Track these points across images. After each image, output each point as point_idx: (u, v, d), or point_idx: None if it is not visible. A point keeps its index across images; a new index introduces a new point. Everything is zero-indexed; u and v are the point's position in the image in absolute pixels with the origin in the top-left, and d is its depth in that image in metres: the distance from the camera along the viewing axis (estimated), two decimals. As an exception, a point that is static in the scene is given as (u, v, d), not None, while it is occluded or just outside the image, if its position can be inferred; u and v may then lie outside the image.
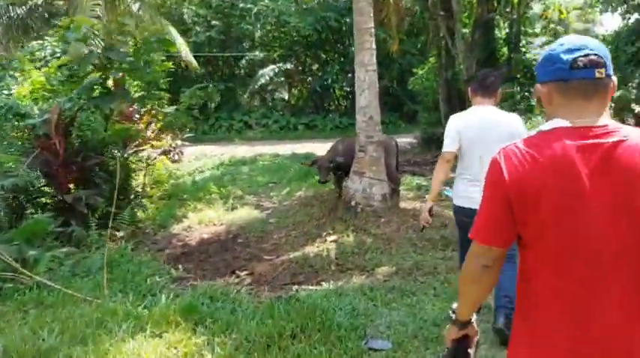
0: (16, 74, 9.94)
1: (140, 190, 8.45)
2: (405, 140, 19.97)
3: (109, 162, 7.38)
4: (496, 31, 17.87)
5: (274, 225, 7.80)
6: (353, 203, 7.24)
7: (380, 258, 5.90)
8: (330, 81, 26.08)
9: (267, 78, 27.90)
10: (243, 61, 29.05)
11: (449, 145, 3.87)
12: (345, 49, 26.39)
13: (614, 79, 1.56)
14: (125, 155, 8.00)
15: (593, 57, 1.50)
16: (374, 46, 7.23)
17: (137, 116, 9.08)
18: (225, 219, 8.30)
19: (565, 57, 1.52)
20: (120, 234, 7.20)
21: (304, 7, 25.19)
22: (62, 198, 6.50)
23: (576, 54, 1.51)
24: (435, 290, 4.93)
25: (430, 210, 4.09)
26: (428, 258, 5.84)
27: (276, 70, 27.65)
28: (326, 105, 27.75)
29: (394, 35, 15.78)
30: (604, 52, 1.53)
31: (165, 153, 17.17)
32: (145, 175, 8.86)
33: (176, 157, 16.98)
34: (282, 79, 28.97)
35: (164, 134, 9.24)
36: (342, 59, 26.88)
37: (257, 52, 30.00)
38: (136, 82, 8.28)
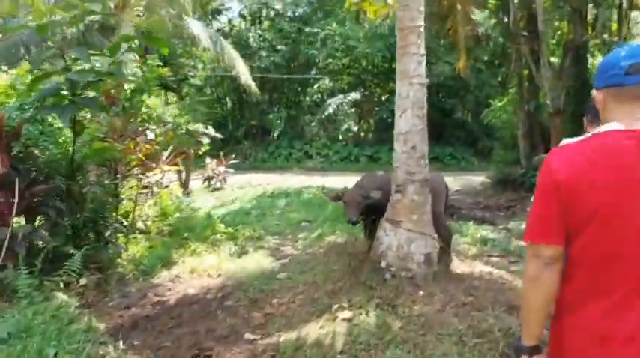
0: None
1: (124, 225, 6.82)
2: (477, 179, 17.68)
3: (74, 188, 5.80)
4: (589, 58, 15.37)
5: (281, 282, 5.92)
6: (383, 264, 5.25)
7: (406, 359, 3.87)
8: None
9: (335, 107, 26.47)
10: (311, 89, 27.75)
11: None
12: (416, 77, 24.38)
13: None
14: (108, 181, 6.44)
15: None
16: (422, 51, 5.32)
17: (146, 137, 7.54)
18: (225, 268, 6.52)
19: (622, 63, 1.58)
20: (84, 281, 5.62)
21: (372, 32, 23.51)
22: (-6, 233, 4.95)
23: (633, 60, 1.57)
24: None
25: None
26: (480, 367, 3.76)
27: (345, 100, 26.17)
28: (391, 136, 25.68)
29: (461, 51, 13.61)
30: None
31: (208, 179, 15.99)
32: (134, 207, 7.25)
33: (218, 185, 15.69)
34: (351, 108, 27.38)
35: (169, 157, 7.55)
36: (412, 88, 24.86)
37: (326, 81, 28.72)
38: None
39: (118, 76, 5.67)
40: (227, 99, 27.72)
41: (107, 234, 6.11)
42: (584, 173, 1.55)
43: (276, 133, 26.10)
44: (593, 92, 1.68)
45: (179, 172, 14.97)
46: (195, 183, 15.94)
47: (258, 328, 4.69)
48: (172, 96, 33.90)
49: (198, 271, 6.43)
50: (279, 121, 25.09)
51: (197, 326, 4.83)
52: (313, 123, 28.23)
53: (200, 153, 16.98)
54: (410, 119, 5.22)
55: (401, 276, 5.10)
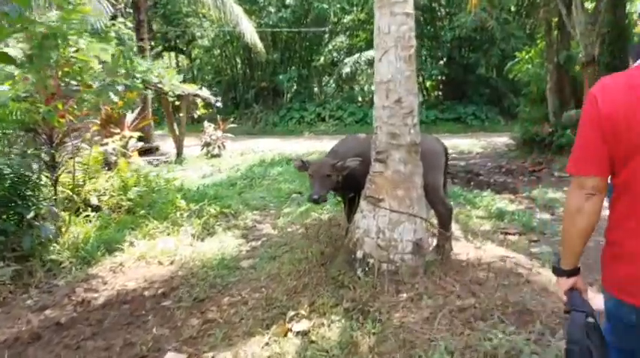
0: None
1: (68, 202, 5.73)
2: (501, 140, 16.17)
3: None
4: (627, 4, 13.56)
5: (242, 273, 4.80)
6: (359, 254, 4.04)
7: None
8: (415, 68, 22.41)
9: (352, 66, 24.93)
10: (324, 48, 26.16)
11: None
12: (436, 31, 22.61)
13: None
14: (32, 150, 5.32)
15: None
16: (409, -29, 3.94)
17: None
18: (181, 254, 5.40)
19: None
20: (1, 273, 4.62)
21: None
22: None
23: None
24: None
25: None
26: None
27: (362, 58, 24.59)
28: (411, 96, 24.06)
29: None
30: None
31: (206, 145, 14.88)
32: (86, 181, 6.13)
33: (216, 152, 14.57)
34: (368, 67, 25.78)
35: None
36: (432, 43, 23.14)
37: (341, 38, 27.08)
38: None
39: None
40: (237, 59, 26.34)
41: (30, 215, 5.00)
42: (629, 104, 1.57)
43: (288, 95, 24.77)
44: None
45: (174, 137, 13.91)
46: (195, 149, 14.88)
47: (188, 343, 3.57)
48: (184, 60, 32.79)
49: (147, 258, 5.33)
50: (289, 82, 23.67)
51: (115, 338, 3.74)
52: (328, 84, 26.79)
53: (196, 116, 15.97)
54: (393, 62, 3.91)
55: (381, 270, 3.90)
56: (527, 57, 15.22)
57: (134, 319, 4.07)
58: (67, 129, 5.38)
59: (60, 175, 5.73)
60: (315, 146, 15.83)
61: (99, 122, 7.41)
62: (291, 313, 3.64)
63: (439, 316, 3.47)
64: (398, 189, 3.96)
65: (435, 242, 4.60)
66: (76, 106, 5.29)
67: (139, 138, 16.02)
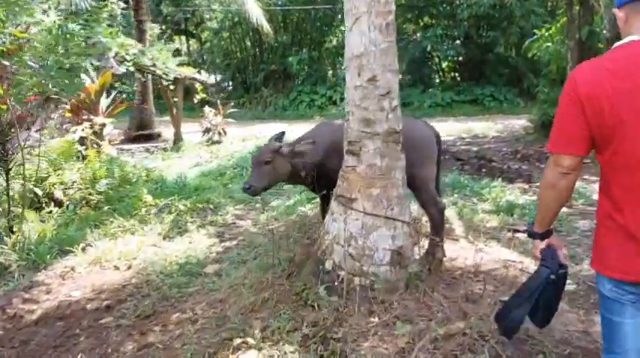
0: None
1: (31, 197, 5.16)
2: (520, 123, 15.25)
3: None
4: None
5: (203, 282, 4.18)
6: (328, 265, 3.36)
7: None
8: (429, 48, 21.45)
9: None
10: (335, 29, 25.25)
11: None
12: (452, 9, 21.56)
13: None
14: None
15: None
16: None
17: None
18: (143, 256, 4.80)
19: None
20: None
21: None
22: None
23: None
24: None
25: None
26: None
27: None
28: (425, 78, 23.12)
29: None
30: None
31: (207, 131, 14.27)
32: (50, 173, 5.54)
33: (216, 138, 13.93)
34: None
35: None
36: (448, 22, 22.09)
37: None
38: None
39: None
40: (246, 41, 25.57)
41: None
42: (607, 83, 1.64)
43: (298, 78, 23.99)
44: (615, 11, 1.77)
45: (173, 123, 13.33)
46: (197, 136, 14.26)
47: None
48: (194, 43, 32.16)
49: (103, 261, 4.73)
50: (300, 65, 22.87)
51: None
52: (340, 66, 25.91)
53: (196, 100, 15.37)
54: (366, 32, 3.19)
55: (353, 285, 3.22)
56: (546, 34, 14.22)
57: (64, 340, 3.46)
58: (10, 117, 4.75)
59: (11, 168, 5.12)
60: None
61: (68, 108, 6.82)
62: (238, 341, 2.98)
63: (417, 347, 2.79)
64: (373, 187, 3.26)
65: (425, 247, 3.90)
66: (15, 90, 4.63)
67: (140, 125, 15.60)
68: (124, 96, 13.08)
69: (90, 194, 6.09)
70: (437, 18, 22.70)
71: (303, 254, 3.87)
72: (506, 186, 7.32)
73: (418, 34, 23.25)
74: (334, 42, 25.88)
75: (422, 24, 23.41)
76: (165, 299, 3.91)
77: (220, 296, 3.81)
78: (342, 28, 25.47)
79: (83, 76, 7.54)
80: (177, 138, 12.75)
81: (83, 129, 6.40)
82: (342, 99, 22.33)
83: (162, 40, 27.49)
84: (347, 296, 3.17)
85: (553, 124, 1.80)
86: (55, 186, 5.99)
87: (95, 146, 6.48)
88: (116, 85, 14.14)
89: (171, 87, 12.01)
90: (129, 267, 4.64)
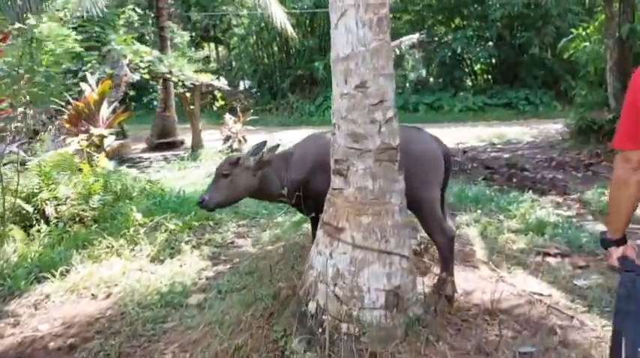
0: None
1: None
2: (555, 127, 14.40)
3: None
4: None
5: (180, 317, 3.70)
6: (312, 307, 2.83)
7: None
8: (459, 49, 20.69)
9: (397, 51, 23.42)
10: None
11: None
12: (483, 10, 20.74)
13: None
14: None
15: None
16: None
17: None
18: (125, 283, 4.35)
19: None
20: None
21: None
22: None
23: None
24: None
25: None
26: None
27: (405, 42, 23.07)
28: (456, 81, 22.32)
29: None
30: None
31: (227, 139, 13.91)
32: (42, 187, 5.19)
33: (236, 145, 13.54)
34: (409, 50, 24.26)
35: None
36: (480, 23, 21.29)
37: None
38: None
39: None
40: (273, 47, 25.23)
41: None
42: None
43: (324, 83, 23.50)
44: None
45: (192, 129, 13.00)
46: (218, 143, 13.90)
47: None
48: (223, 50, 32.09)
49: (81, 288, 4.29)
50: (326, 70, 22.37)
51: None
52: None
53: (215, 108, 15.01)
54: (353, 29, 2.66)
55: (339, 333, 2.67)
56: (583, 33, 13.37)
57: (14, 388, 3.02)
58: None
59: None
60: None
61: (66, 118, 6.49)
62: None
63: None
64: (364, 214, 2.72)
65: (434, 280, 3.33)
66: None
67: (163, 133, 15.35)
68: (133, 104, 12.79)
69: (83, 210, 5.70)
70: (468, 19, 21.92)
71: (290, 288, 3.35)
72: (538, 200, 6.65)
73: (450, 37, 22.48)
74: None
75: (453, 26, 22.65)
76: (135, 338, 3.44)
77: (196, 335, 3.32)
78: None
79: (83, 84, 7.23)
80: (195, 147, 12.42)
81: (79, 142, 6.06)
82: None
83: (192, 48, 27.56)
84: (330, 348, 2.62)
85: (620, 119, 1.82)
86: (47, 201, 5.62)
87: (94, 158, 6.10)
88: (131, 93, 13.88)
89: (187, 94, 11.67)
90: (107, 296, 4.20)
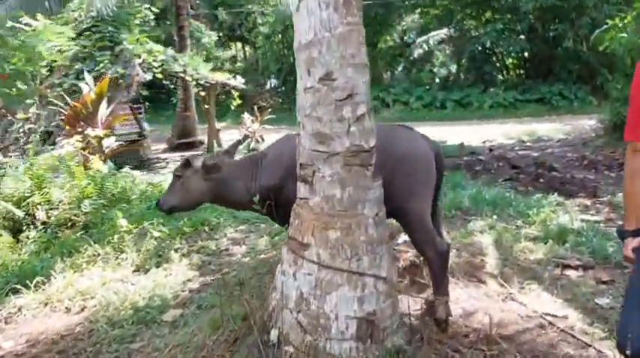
0: None
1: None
2: (590, 123, 13.63)
3: None
4: None
5: (150, 337, 3.39)
6: (273, 335, 2.44)
7: None
8: (489, 43, 19.97)
9: (425, 47, 22.91)
10: (391, 28, 24.20)
11: None
12: (514, 2, 19.96)
13: None
14: None
15: None
16: None
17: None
18: (103, 295, 4.06)
19: None
20: None
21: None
22: None
23: None
24: None
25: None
26: None
27: (433, 37, 22.51)
28: (486, 76, 21.57)
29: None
30: None
31: (245, 138, 13.64)
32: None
33: (253, 145, 13.26)
34: (438, 46, 23.66)
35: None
36: (510, 16, 20.52)
37: (414, 16, 25.04)
38: None
39: None
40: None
41: None
42: None
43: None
44: None
45: (208, 128, 12.78)
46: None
47: None
48: (249, 49, 31.97)
49: (55, 301, 4.02)
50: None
51: None
52: (396, 67, 24.82)
53: (233, 107, 14.76)
54: (316, 12, 2.27)
55: (304, 368, 2.29)
56: (620, 24, 12.57)
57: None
58: None
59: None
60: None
61: (64, 119, 6.28)
62: None
63: None
64: (331, 228, 2.33)
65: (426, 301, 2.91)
66: None
67: (183, 133, 15.20)
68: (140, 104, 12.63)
69: (75, 215, 5.46)
70: (498, 12, 21.14)
71: (263, 307, 2.97)
72: (564, 203, 6.10)
73: (480, 31, 21.73)
74: (389, 42, 24.83)
75: (483, 19, 21.89)
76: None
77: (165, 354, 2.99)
78: (398, 27, 24.45)
79: (81, 84, 7.02)
80: (211, 146, 12.18)
81: (73, 143, 5.82)
82: (394, 102, 21.27)
83: (220, 48, 27.52)
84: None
85: (628, 112, 1.90)
86: (38, 206, 5.40)
87: (91, 160, 5.85)
88: (143, 93, 13.75)
89: (202, 93, 11.43)
90: (82, 310, 3.91)
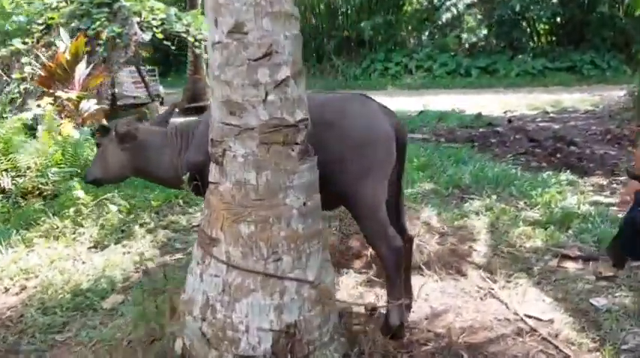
0: None
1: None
2: (622, 94, 12.73)
3: None
4: None
5: (79, 328, 3.03)
6: (178, 347, 2.03)
7: None
8: (519, 7, 18.88)
9: (451, 11, 21.82)
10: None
11: None
12: (547, -38, 18.75)
13: None
14: None
15: None
16: None
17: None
18: (47, 274, 3.72)
19: None
20: None
21: None
22: None
23: None
24: None
25: None
26: None
27: (465, 1, 21.40)
28: (515, 42, 20.49)
29: None
30: None
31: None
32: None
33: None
34: (465, 10, 22.52)
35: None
36: (540, -23, 19.32)
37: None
38: None
39: None
40: (320, 5, 24.02)
41: None
42: None
43: (372, 44, 22.22)
44: None
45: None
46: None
47: None
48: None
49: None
50: (373, 31, 21.07)
51: None
52: (420, 32, 23.76)
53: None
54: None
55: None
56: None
57: None
58: None
59: None
60: (391, 102, 13.52)
61: (37, 80, 5.89)
62: None
63: None
64: (243, 221, 1.88)
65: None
66: None
67: (193, 97, 14.80)
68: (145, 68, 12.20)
69: (43, 184, 5.12)
70: (530, -27, 19.95)
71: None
72: (576, 182, 5.54)
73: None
74: (416, 4, 23.75)
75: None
76: (12, 353, 2.79)
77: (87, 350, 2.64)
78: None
79: (58, 42, 6.61)
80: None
81: (42, 106, 5.43)
82: (417, 68, 20.44)
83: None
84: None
85: None
86: (4, 172, 5.07)
87: (61, 124, 5.48)
88: (145, 54, 13.32)
89: (205, 55, 10.94)
90: (21, 290, 3.58)
